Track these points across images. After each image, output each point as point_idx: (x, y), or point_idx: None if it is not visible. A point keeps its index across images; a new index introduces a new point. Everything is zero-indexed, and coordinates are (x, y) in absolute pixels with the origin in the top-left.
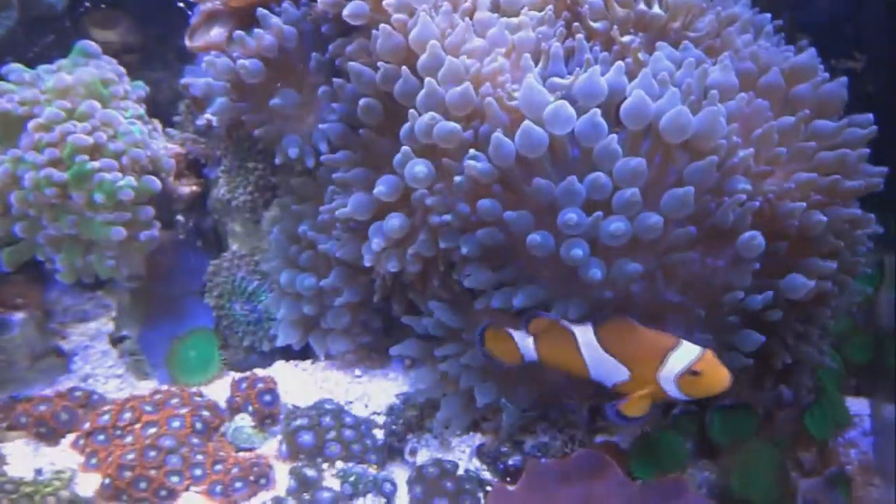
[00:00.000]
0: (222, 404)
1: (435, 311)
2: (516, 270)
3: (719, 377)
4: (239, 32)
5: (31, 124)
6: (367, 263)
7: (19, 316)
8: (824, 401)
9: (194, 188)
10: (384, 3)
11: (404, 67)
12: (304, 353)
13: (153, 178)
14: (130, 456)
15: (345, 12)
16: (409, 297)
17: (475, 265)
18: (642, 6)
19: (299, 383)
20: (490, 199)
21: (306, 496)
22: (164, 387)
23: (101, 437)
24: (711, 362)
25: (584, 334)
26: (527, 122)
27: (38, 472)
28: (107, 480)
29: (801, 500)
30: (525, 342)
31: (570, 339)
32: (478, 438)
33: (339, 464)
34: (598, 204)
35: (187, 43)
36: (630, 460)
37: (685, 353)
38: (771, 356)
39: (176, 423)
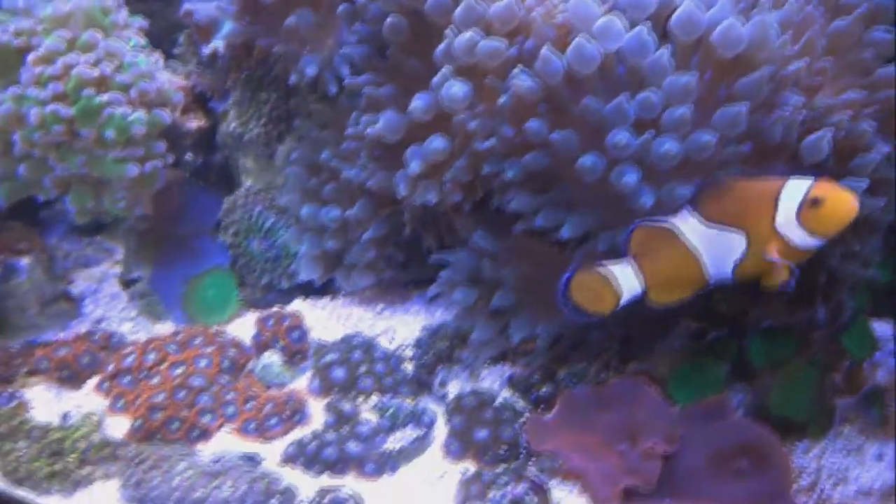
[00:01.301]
0: (246, 343)
1: (475, 238)
2: (559, 196)
3: (844, 200)
4: None
5: (30, 57)
6: (403, 192)
7: (25, 261)
8: (860, 320)
9: (201, 123)
10: None
11: None
12: (323, 290)
13: (163, 110)
14: (160, 397)
15: None
16: (441, 229)
17: (518, 190)
18: None
19: (322, 320)
20: (537, 119)
21: (345, 430)
22: (190, 327)
23: (127, 379)
24: (829, 186)
25: (685, 221)
26: (580, 37)
27: (65, 416)
28: (137, 422)
29: (838, 418)
30: (625, 273)
31: (674, 238)
32: (507, 369)
33: (375, 397)
34: (647, 123)
35: None
36: (669, 385)
37: (797, 187)
38: (814, 274)
39: (203, 363)
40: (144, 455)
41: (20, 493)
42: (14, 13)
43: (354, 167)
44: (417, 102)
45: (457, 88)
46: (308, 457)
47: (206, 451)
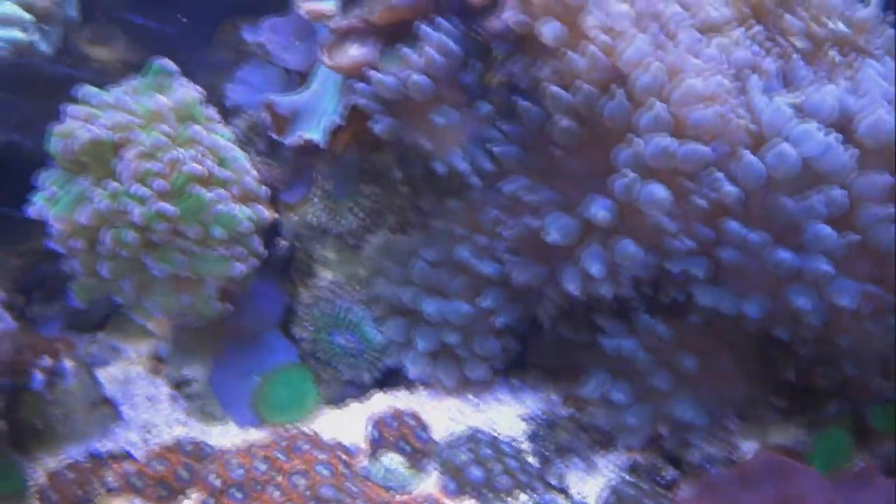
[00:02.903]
0: (347, 444)
1: (652, 326)
2: (738, 287)
3: None
4: (405, 49)
5: (131, 153)
6: (574, 291)
7: (69, 363)
8: None
9: (274, 215)
10: (586, 25)
11: (619, 89)
12: (396, 382)
13: (261, 207)
14: None
15: (544, 33)
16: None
17: (703, 285)
18: (833, 24)
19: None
20: (736, 221)
21: None
22: (282, 430)
23: (240, 495)
24: None
25: None
26: (783, 144)
27: None
28: None
29: None
30: None
31: None
32: (623, 456)
33: (523, 496)
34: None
35: (326, 61)
36: (812, 457)
37: None
38: None
39: (325, 471)
40: None
41: None
42: (104, 107)
43: (489, 262)
44: (601, 210)
45: (659, 192)
46: None
47: None
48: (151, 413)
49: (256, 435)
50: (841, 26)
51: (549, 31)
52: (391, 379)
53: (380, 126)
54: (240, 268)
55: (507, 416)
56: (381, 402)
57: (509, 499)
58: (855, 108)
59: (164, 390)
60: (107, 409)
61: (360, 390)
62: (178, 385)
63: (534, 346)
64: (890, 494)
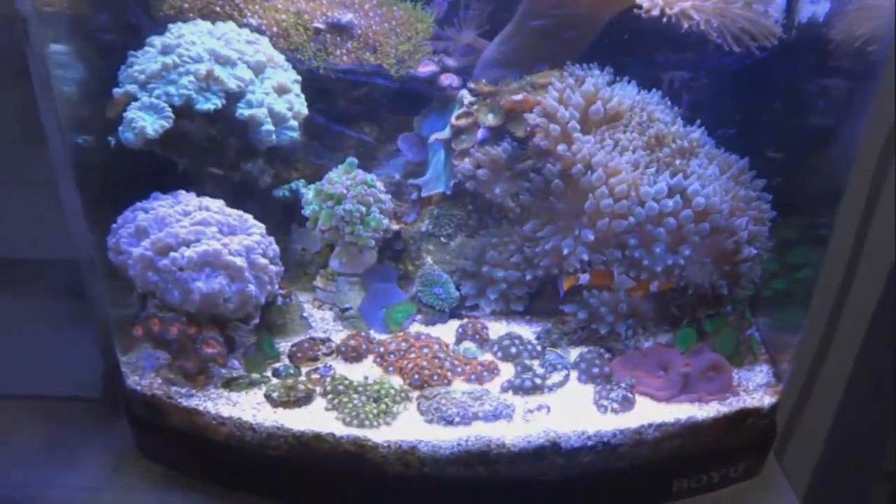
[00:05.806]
0: (444, 338)
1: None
2: None
3: None
4: (486, 148)
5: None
6: (568, 253)
7: (291, 294)
8: None
9: (397, 227)
10: (573, 149)
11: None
12: (461, 316)
13: (389, 221)
14: (424, 363)
15: (556, 150)
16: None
17: (622, 258)
18: (680, 141)
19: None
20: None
21: (529, 374)
22: (402, 333)
23: (392, 357)
24: None
25: None
26: (651, 202)
27: (366, 378)
28: (415, 377)
29: None
30: None
31: None
32: (584, 348)
33: (536, 361)
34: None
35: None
36: (675, 344)
37: None
38: None
39: (436, 346)
40: (428, 394)
41: (361, 433)
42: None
43: (519, 255)
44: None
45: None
46: (515, 386)
47: (457, 389)
48: (328, 326)
49: (388, 337)
50: (685, 142)
51: (558, 148)
52: (457, 314)
53: (468, 185)
54: (378, 235)
55: (525, 330)
56: (457, 322)
57: (527, 360)
58: (686, 184)
59: (330, 315)
60: (303, 322)
61: (442, 316)
62: (343, 311)
63: (538, 301)
64: (713, 358)
